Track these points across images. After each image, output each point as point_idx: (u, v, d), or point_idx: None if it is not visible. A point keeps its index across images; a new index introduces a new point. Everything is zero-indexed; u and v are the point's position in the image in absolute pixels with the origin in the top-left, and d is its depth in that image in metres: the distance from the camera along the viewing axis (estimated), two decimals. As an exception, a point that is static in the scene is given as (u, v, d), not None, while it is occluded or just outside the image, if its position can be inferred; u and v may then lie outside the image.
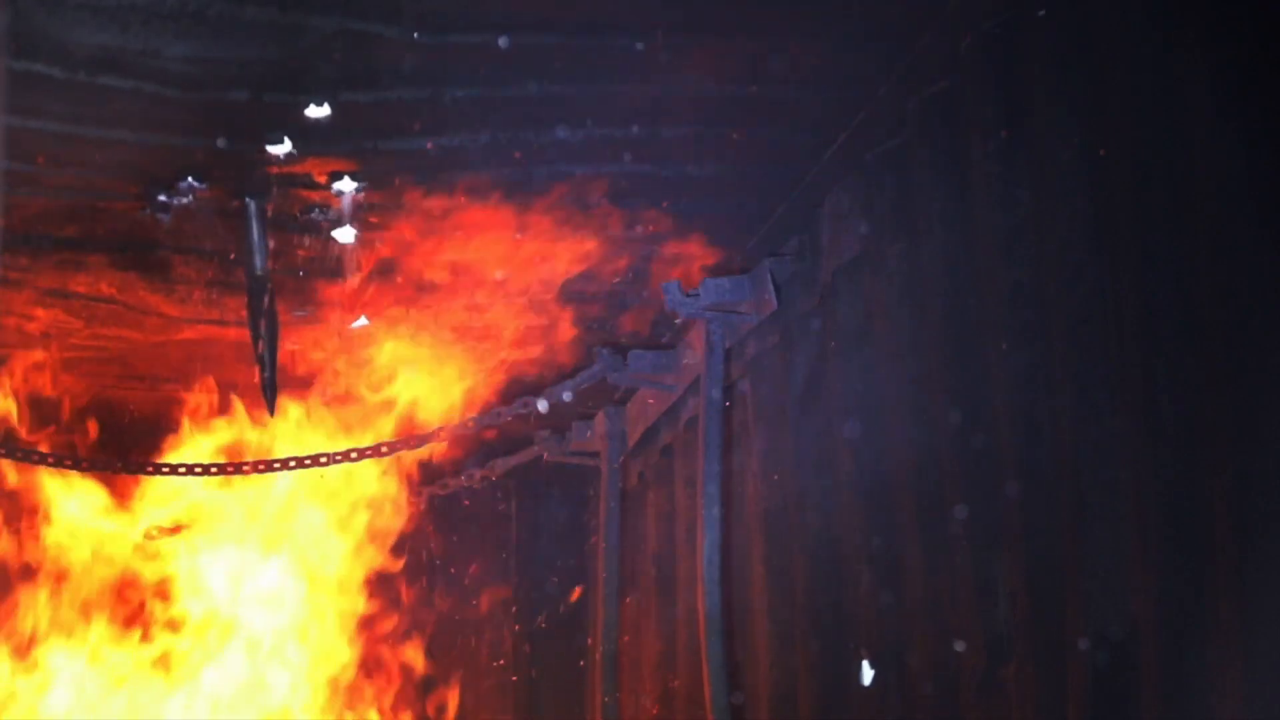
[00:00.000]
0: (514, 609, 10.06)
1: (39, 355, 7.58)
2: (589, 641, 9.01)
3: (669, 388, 7.49)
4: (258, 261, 5.83)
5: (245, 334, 6.19)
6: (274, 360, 6.04)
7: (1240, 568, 3.52)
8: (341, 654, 9.09)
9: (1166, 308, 3.80)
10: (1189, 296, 3.72)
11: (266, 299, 5.91)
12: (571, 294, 7.00)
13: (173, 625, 8.78)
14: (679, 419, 7.68)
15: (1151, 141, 3.87)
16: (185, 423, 8.29)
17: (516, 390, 7.93)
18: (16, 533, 8.59)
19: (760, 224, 6.23)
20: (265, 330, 5.97)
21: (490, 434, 8.72)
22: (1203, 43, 3.66)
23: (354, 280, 6.30)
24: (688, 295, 6.32)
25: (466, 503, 9.98)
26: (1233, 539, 3.54)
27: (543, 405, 7.55)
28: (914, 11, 4.67)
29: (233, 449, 8.22)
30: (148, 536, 8.58)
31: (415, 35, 4.66)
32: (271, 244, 5.87)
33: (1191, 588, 3.69)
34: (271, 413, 6.30)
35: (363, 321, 6.91)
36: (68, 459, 7.73)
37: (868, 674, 5.35)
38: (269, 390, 6.10)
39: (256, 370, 6.09)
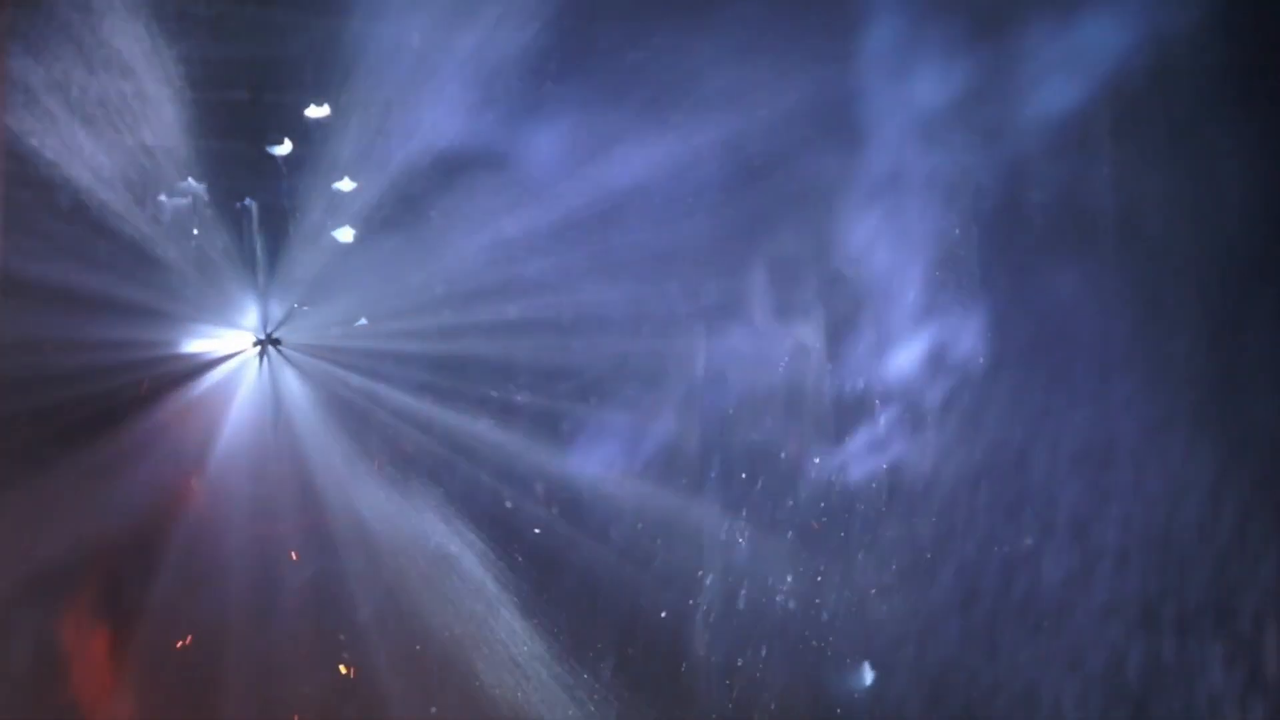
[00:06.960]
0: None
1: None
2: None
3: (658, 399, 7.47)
4: (260, 279, 5.82)
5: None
6: (275, 380, 6.04)
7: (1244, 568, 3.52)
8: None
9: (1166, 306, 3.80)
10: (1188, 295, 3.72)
11: (271, 327, 5.90)
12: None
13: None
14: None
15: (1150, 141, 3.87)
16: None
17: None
18: None
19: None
20: (268, 345, 5.96)
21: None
22: (1203, 41, 3.66)
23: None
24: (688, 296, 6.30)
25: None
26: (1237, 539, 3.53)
27: None
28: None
29: None
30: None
31: (416, 36, 4.66)
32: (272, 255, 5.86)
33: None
34: (275, 427, 6.30)
35: (362, 322, 6.90)
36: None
37: (868, 675, 5.35)
38: (274, 408, 6.09)
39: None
